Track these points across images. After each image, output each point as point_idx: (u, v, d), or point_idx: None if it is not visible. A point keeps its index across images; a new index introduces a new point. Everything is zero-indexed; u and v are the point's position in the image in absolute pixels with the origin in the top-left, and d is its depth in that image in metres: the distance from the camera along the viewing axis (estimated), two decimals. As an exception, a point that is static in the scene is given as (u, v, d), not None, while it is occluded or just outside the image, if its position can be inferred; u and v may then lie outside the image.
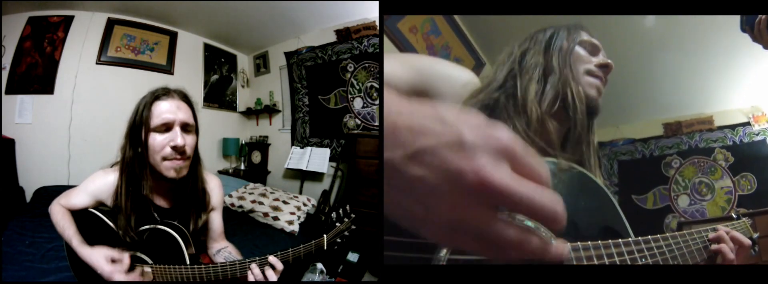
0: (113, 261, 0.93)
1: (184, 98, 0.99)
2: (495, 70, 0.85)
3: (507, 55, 0.87)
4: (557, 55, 0.82)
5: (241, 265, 0.89)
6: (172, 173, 0.94)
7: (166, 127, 0.93)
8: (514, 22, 2.01)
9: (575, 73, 0.81)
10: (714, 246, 0.76)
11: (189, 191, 1.03)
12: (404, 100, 0.36)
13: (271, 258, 0.89)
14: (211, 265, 0.92)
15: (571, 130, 0.80)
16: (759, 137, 2.98)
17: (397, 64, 0.78)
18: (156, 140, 0.93)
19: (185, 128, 0.95)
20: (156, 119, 0.93)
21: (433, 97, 0.78)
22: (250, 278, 0.88)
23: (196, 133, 1.00)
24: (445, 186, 0.30)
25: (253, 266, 0.88)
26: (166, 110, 0.94)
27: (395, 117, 0.33)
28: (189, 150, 0.96)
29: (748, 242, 0.78)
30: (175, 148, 0.93)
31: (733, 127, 3.07)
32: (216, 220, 1.11)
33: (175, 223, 0.99)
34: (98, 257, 0.93)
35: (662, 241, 0.67)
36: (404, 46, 2.24)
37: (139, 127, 0.94)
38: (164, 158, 0.93)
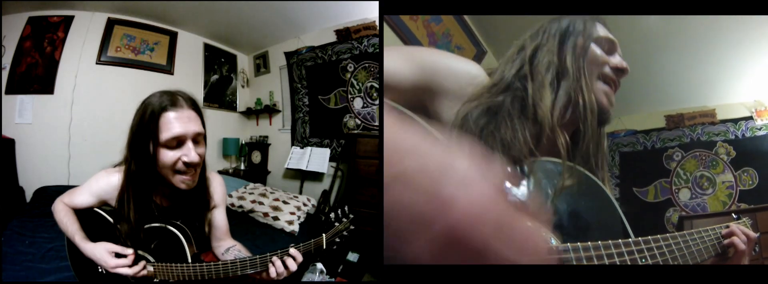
0: (117, 255, 0.92)
1: (194, 105, 0.91)
2: (503, 66, 0.79)
3: (517, 49, 0.80)
4: (571, 55, 0.76)
5: (252, 261, 0.87)
6: (183, 186, 0.91)
7: (178, 141, 0.86)
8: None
9: (588, 78, 0.75)
10: (727, 240, 0.76)
11: (192, 192, 1.01)
12: (401, 122, 0.36)
13: (292, 250, 0.87)
14: (213, 263, 0.91)
15: (581, 137, 0.76)
16: (761, 132, 2.94)
17: (399, 60, 0.73)
18: (167, 155, 0.86)
19: (196, 138, 0.90)
20: (165, 133, 0.85)
21: (439, 94, 0.74)
22: (272, 272, 0.86)
23: (204, 139, 0.96)
24: (430, 212, 0.30)
25: (275, 259, 0.86)
26: (177, 124, 0.85)
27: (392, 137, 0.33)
28: (200, 160, 0.92)
29: (754, 235, 0.79)
30: (188, 163, 0.88)
31: (735, 121, 3.03)
32: (220, 218, 1.10)
33: (178, 222, 0.99)
34: (101, 251, 0.92)
35: (662, 241, 0.67)
36: (404, 34, 2.19)
37: (143, 139, 0.87)
38: (176, 172, 0.89)
